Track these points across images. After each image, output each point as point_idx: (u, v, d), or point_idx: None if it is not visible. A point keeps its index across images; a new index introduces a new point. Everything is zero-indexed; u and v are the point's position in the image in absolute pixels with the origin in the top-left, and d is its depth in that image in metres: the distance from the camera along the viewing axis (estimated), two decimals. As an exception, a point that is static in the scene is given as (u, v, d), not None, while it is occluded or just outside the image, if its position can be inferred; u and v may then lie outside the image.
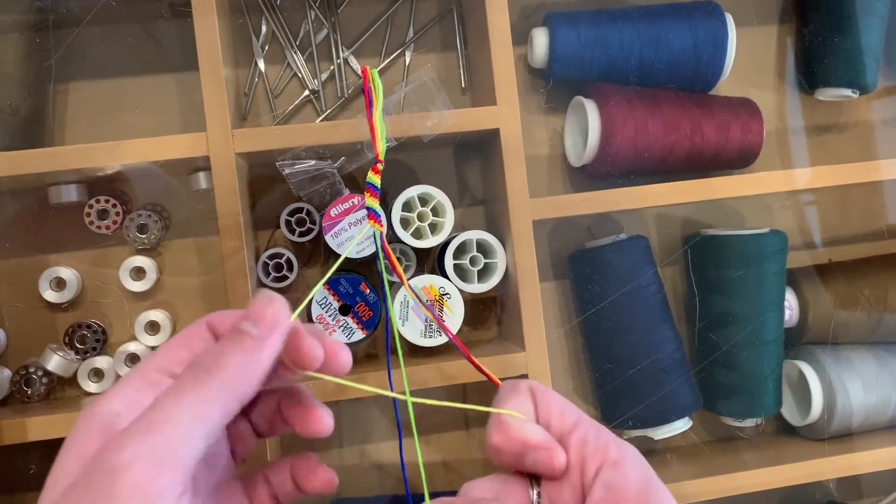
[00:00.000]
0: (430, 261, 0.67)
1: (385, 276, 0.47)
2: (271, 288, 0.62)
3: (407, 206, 0.59)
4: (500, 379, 0.41)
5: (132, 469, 0.27)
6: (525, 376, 0.58)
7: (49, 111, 0.63)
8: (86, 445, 0.29)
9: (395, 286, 0.64)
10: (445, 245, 0.61)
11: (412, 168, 0.67)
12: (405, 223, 0.59)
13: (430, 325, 0.59)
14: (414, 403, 0.42)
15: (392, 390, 0.51)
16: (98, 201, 0.62)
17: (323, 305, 0.59)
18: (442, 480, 0.68)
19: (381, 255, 0.47)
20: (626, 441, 0.37)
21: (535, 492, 0.36)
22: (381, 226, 0.47)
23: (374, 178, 0.48)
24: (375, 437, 0.67)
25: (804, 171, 0.63)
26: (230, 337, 0.32)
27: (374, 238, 0.47)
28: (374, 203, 0.47)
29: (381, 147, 0.48)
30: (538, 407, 0.37)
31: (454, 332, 0.59)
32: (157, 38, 0.65)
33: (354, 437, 0.67)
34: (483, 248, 0.61)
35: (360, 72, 0.67)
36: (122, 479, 0.27)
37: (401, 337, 0.63)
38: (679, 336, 0.65)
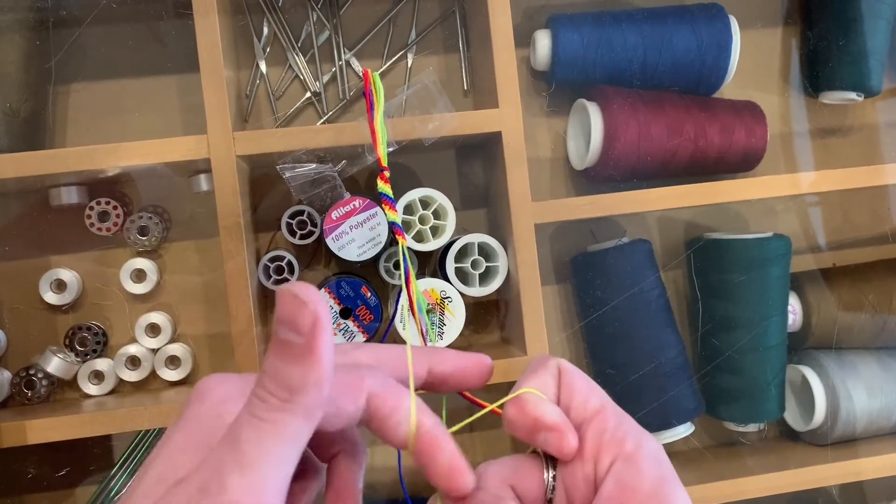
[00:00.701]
0: (431, 264, 0.67)
1: (406, 288, 0.46)
2: (272, 290, 0.62)
3: (408, 209, 0.59)
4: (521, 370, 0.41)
5: None
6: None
7: (50, 113, 0.63)
8: (197, 438, 0.30)
9: (396, 288, 0.64)
10: (447, 248, 0.60)
11: (414, 171, 0.67)
12: (407, 226, 0.59)
13: (433, 328, 0.58)
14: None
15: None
16: (99, 203, 0.62)
17: (324, 309, 0.58)
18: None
19: (401, 267, 0.46)
20: (650, 435, 0.36)
21: (549, 474, 0.36)
22: (405, 239, 0.46)
23: (386, 188, 0.46)
24: (375, 440, 0.67)
25: (808, 174, 0.62)
26: (276, 349, 0.30)
27: (401, 252, 0.45)
28: (395, 216, 0.46)
29: (382, 151, 0.48)
30: (561, 388, 0.36)
31: (456, 335, 0.58)
32: (158, 39, 0.65)
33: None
34: (485, 251, 0.61)
35: (361, 74, 0.67)
36: None
37: (402, 340, 0.63)
38: (682, 340, 0.64)
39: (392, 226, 0.47)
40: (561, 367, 0.37)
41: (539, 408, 0.35)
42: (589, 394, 0.36)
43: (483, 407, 0.42)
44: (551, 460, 0.36)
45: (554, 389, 0.36)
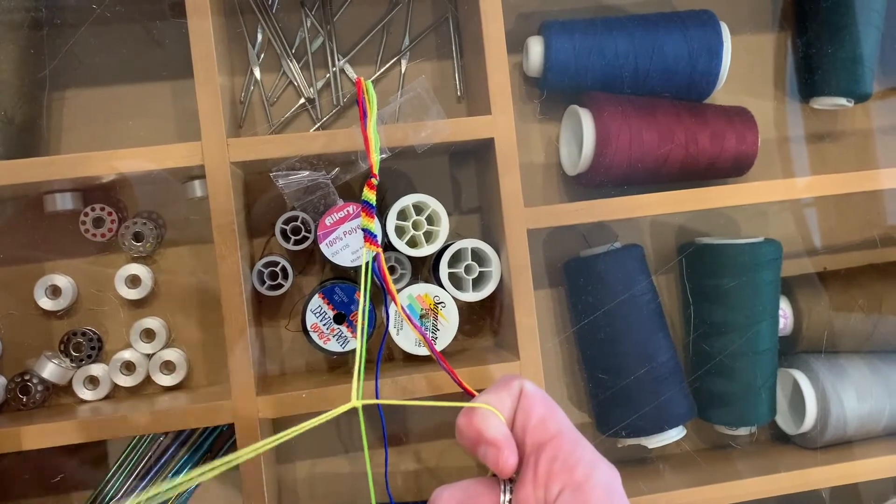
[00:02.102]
0: (424, 269, 0.67)
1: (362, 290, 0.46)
2: (266, 296, 0.62)
3: (402, 215, 0.59)
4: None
5: None
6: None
7: (44, 120, 0.64)
8: None
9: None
10: (440, 253, 0.61)
11: (407, 176, 0.67)
12: (400, 231, 0.59)
13: (425, 334, 0.59)
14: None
15: (378, 397, 0.51)
16: (93, 209, 0.62)
17: (318, 314, 0.59)
18: (429, 489, 0.68)
19: (375, 276, 0.46)
20: (606, 463, 0.35)
21: (506, 498, 0.36)
22: (378, 247, 0.46)
23: (370, 195, 0.47)
24: (369, 444, 0.67)
25: (799, 180, 0.63)
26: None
27: (368, 260, 0.46)
28: (370, 223, 0.46)
29: (375, 159, 0.48)
30: (519, 409, 0.36)
31: (450, 339, 0.59)
32: (153, 46, 0.65)
33: (347, 444, 0.67)
34: (478, 256, 0.62)
35: (355, 80, 0.67)
36: None
37: (395, 346, 0.64)
38: (673, 345, 0.65)
39: (365, 233, 0.47)
40: (523, 389, 0.37)
41: (484, 422, 0.36)
42: (547, 418, 0.36)
43: (470, 393, 0.43)
44: (509, 483, 0.36)
45: (511, 409, 0.36)
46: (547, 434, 0.36)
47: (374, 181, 0.47)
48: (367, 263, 0.45)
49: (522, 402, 0.37)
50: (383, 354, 0.67)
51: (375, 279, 0.50)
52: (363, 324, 0.44)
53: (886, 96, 0.75)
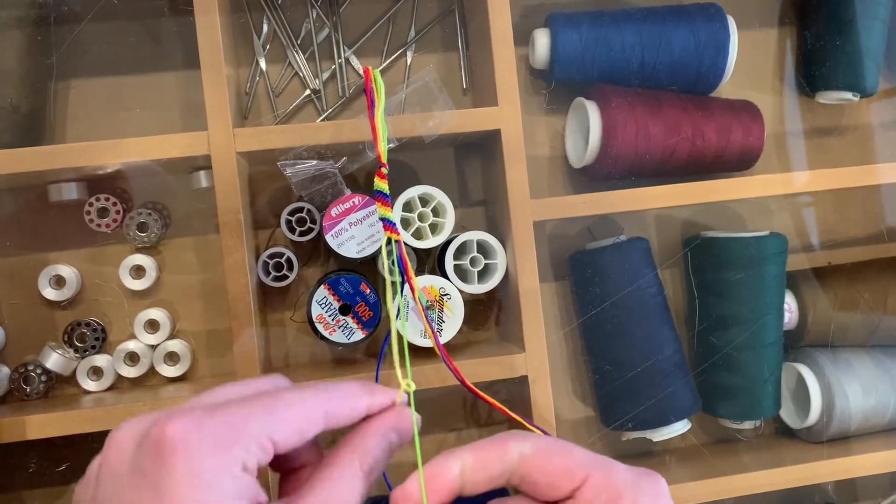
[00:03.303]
0: (430, 261, 0.67)
1: (395, 284, 0.46)
2: (270, 287, 0.62)
3: (407, 207, 0.59)
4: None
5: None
6: (525, 377, 0.58)
7: (50, 109, 0.63)
8: None
9: (393, 286, 0.64)
10: (446, 245, 0.61)
11: (413, 168, 0.67)
12: (406, 223, 0.59)
13: (431, 325, 0.58)
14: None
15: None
16: (98, 199, 0.62)
17: (323, 305, 0.59)
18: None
19: (395, 265, 0.46)
20: (644, 474, 0.34)
21: None
22: (398, 235, 0.46)
23: (382, 185, 0.47)
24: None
25: (804, 173, 0.63)
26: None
27: (392, 248, 0.46)
28: (387, 212, 0.46)
29: (382, 148, 0.48)
30: (538, 472, 0.34)
31: (455, 331, 0.59)
32: (159, 36, 0.65)
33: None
34: (483, 248, 0.61)
35: (361, 71, 0.67)
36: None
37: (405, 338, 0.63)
38: (679, 338, 0.65)
39: (383, 222, 0.46)
40: (532, 451, 0.35)
41: (447, 465, 0.35)
42: (569, 467, 0.34)
43: (492, 404, 0.42)
44: None
45: (499, 475, 0.35)
46: (576, 481, 0.34)
47: (385, 170, 0.47)
48: (394, 246, 0.45)
49: (533, 464, 0.34)
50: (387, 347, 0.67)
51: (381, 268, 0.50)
52: (397, 310, 0.44)
53: (893, 90, 0.75)
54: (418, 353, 0.62)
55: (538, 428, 0.48)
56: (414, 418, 0.38)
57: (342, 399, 0.36)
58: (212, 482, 0.30)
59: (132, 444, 0.31)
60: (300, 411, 0.33)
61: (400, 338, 0.42)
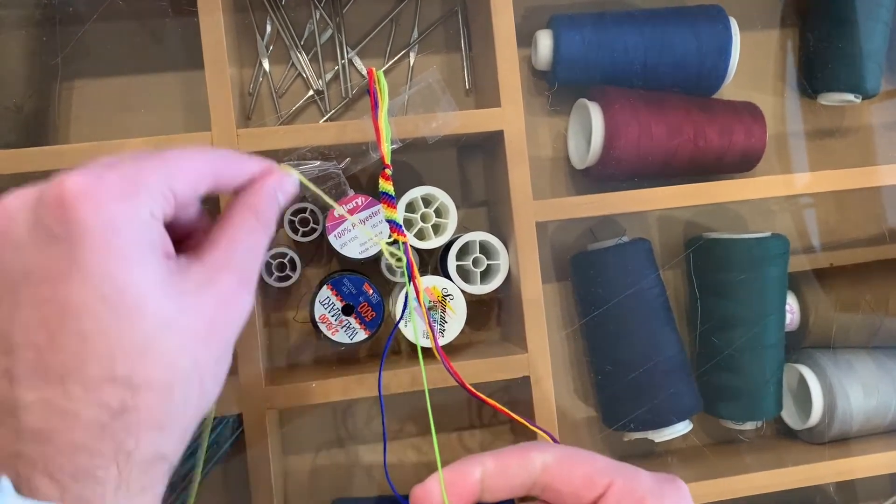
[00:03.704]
0: (432, 262, 0.67)
1: (413, 285, 0.46)
2: (273, 287, 0.62)
3: (410, 207, 0.59)
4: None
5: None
6: (527, 378, 0.58)
7: (54, 109, 0.63)
8: None
9: (396, 284, 0.64)
10: (448, 246, 0.61)
11: (415, 169, 0.67)
12: (408, 224, 0.60)
13: (433, 326, 0.59)
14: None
15: (380, 390, 0.52)
16: (102, 199, 0.62)
17: (326, 305, 0.59)
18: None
19: (403, 268, 0.46)
20: (666, 480, 0.34)
21: None
22: (405, 236, 0.46)
23: (387, 186, 0.47)
24: (374, 436, 0.67)
25: (806, 175, 0.63)
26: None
27: (401, 250, 0.46)
28: (393, 214, 0.47)
29: (386, 149, 0.48)
30: (559, 482, 0.34)
31: (458, 332, 0.59)
32: (163, 36, 0.65)
33: (354, 436, 0.67)
34: (486, 249, 0.62)
35: (364, 72, 0.67)
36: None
37: (402, 338, 0.64)
38: (681, 339, 0.65)
39: (391, 224, 0.47)
40: (555, 460, 0.35)
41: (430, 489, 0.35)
42: (591, 473, 0.34)
43: (486, 402, 0.43)
44: None
45: (522, 484, 0.35)
46: (599, 488, 0.34)
47: (389, 171, 0.47)
48: (401, 248, 0.45)
49: (556, 473, 0.35)
50: (390, 346, 0.67)
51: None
52: (413, 303, 0.44)
53: (895, 92, 0.75)
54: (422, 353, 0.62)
55: (541, 429, 0.48)
56: (296, 177, 0.39)
57: (229, 159, 0.36)
58: (124, 228, 0.29)
59: (26, 209, 0.29)
60: (192, 163, 0.33)
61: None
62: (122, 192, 0.29)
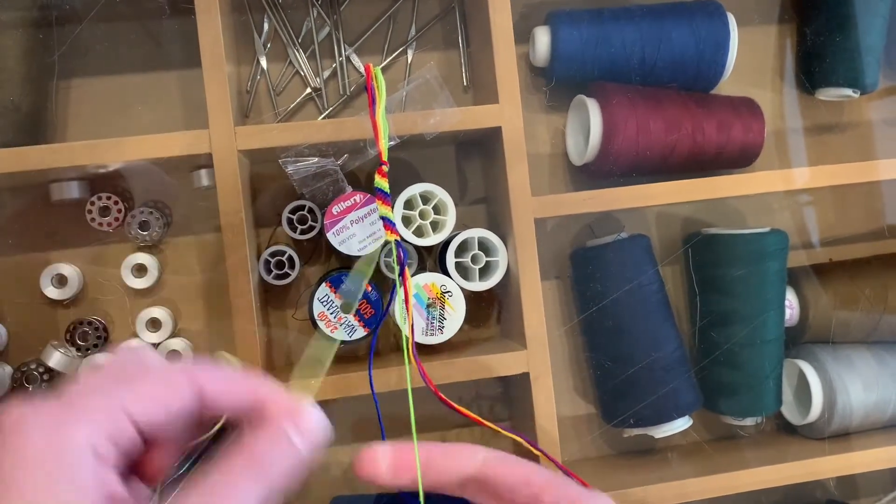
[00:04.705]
0: (431, 258, 0.67)
1: (402, 283, 0.47)
2: (272, 285, 0.62)
3: (409, 204, 0.59)
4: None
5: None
6: (526, 374, 0.58)
7: (51, 107, 0.63)
8: None
9: (394, 282, 0.64)
10: (447, 243, 0.61)
11: (414, 166, 0.67)
12: (407, 221, 0.59)
13: (431, 323, 0.59)
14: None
15: (372, 388, 0.52)
16: (100, 198, 0.62)
17: (325, 303, 0.59)
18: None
19: (392, 264, 0.46)
20: (596, 492, 0.36)
21: None
22: (397, 234, 0.46)
23: (382, 183, 0.47)
24: (374, 434, 0.67)
25: (805, 170, 0.63)
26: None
27: (392, 247, 0.46)
28: (387, 211, 0.46)
29: (383, 146, 0.48)
30: (491, 478, 0.35)
31: (457, 329, 0.59)
32: (160, 35, 0.65)
33: (353, 433, 0.67)
34: (484, 246, 0.61)
35: (362, 70, 0.67)
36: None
37: (399, 335, 0.64)
38: (680, 335, 0.65)
39: (384, 220, 0.47)
40: (494, 456, 0.35)
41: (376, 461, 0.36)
42: (528, 473, 0.35)
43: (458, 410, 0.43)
44: None
45: (465, 461, 0.35)
46: (534, 488, 0.35)
47: (385, 168, 0.47)
48: (393, 245, 0.45)
49: (496, 466, 0.35)
50: (388, 344, 0.67)
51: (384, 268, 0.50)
52: (405, 308, 0.44)
53: (893, 87, 0.75)
54: (419, 350, 0.62)
55: (519, 436, 0.49)
56: (320, 417, 0.31)
57: (220, 374, 0.31)
58: (50, 467, 0.26)
59: None
60: (161, 377, 0.30)
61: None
62: (57, 424, 0.27)
